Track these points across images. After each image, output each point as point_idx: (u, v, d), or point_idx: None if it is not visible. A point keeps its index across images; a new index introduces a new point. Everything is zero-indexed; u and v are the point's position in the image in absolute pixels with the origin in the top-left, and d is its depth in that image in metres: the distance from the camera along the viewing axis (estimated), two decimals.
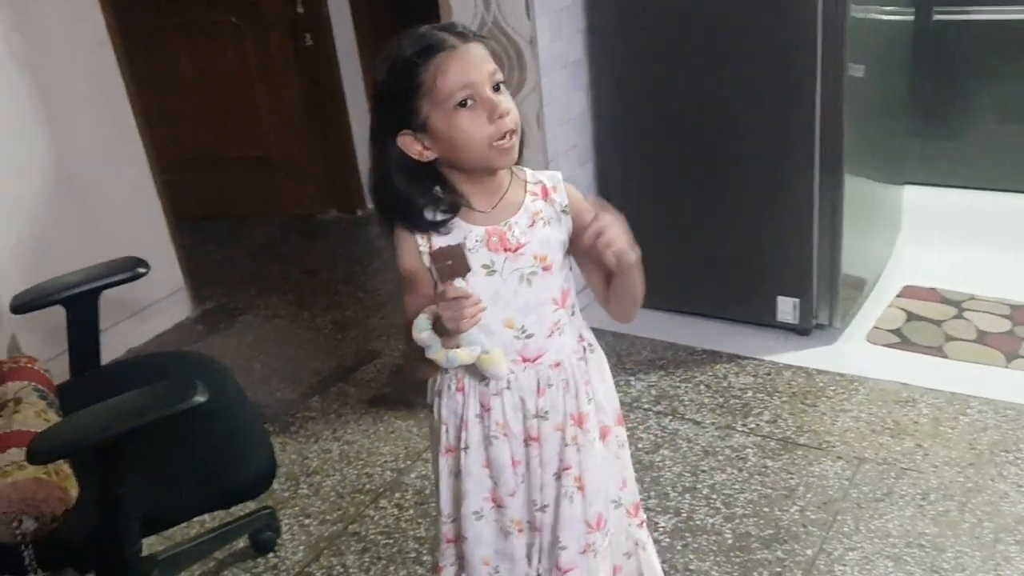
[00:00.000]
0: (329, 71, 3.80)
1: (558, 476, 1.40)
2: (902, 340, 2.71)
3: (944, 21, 3.35)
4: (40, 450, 1.43)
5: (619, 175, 2.87)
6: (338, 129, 3.87)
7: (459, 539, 1.46)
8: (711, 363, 2.69)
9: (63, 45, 2.81)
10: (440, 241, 1.30)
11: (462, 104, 1.22)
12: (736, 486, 2.20)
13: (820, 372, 2.60)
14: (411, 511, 2.23)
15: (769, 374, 2.61)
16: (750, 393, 2.54)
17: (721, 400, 2.52)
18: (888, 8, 2.77)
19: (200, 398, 1.45)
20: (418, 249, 1.31)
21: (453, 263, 1.23)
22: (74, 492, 1.55)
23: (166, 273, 3.21)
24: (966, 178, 3.59)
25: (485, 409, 1.37)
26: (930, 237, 3.26)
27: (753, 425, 2.41)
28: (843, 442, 2.32)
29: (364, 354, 2.95)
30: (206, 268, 3.61)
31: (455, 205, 1.30)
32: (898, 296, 2.94)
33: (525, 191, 1.35)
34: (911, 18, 3.02)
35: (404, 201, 1.29)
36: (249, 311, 3.34)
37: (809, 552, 1.99)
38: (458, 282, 1.24)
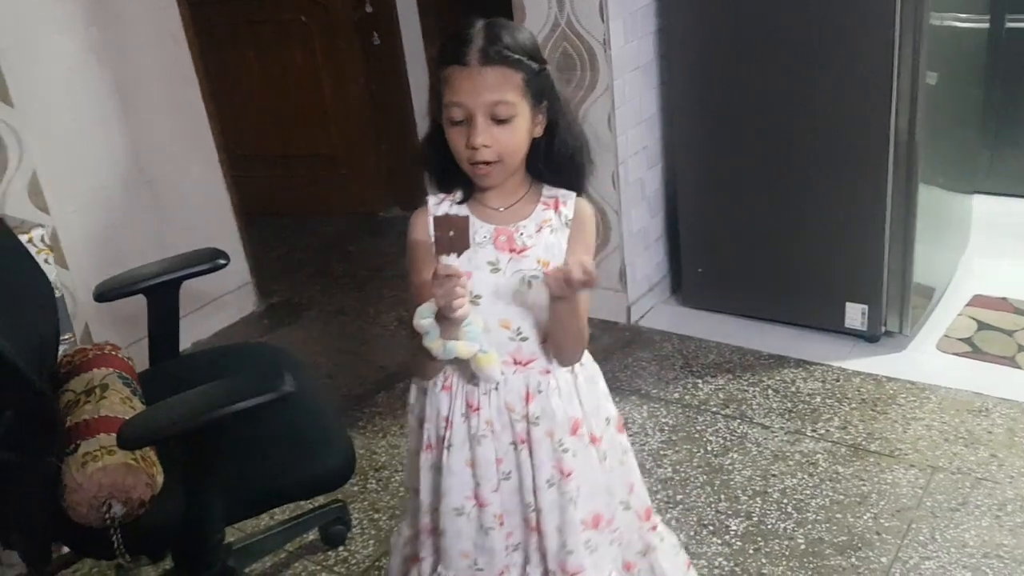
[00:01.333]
0: (395, 70, 3.84)
1: (555, 483, 1.42)
2: (973, 349, 2.67)
3: (1016, 28, 3.30)
4: (130, 436, 1.46)
5: (690, 178, 2.85)
6: (402, 128, 3.90)
7: (437, 532, 1.48)
8: (779, 368, 2.67)
9: (140, 39, 2.86)
10: (446, 210, 1.35)
11: (453, 121, 1.28)
12: (807, 491, 2.19)
13: (890, 379, 2.57)
14: None
15: (838, 380, 2.59)
16: (819, 399, 2.52)
17: (789, 405, 2.50)
18: (964, 15, 2.73)
19: (288, 388, 1.47)
20: (429, 223, 1.33)
21: (455, 235, 1.21)
22: (160, 479, 1.57)
23: (233, 267, 3.16)
24: None
25: (472, 408, 1.39)
26: (1000, 247, 3.21)
27: (823, 431, 2.39)
28: (915, 450, 2.29)
29: None
30: (271, 264, 3.67)
31: (467, 193, 1.37)
32: (968, 305, 2.90)
33: (540, 200, 1.40)
34: (987, 25, 2.98)
35: (432, 157, 1.37)
36: (313, 307, 3.39)
37: (884, 560, 1.97)
38: (451, 261, 1.23)
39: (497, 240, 1.34)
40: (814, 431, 2.39)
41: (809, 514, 2.11)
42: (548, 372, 1.40)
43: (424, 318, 1.27)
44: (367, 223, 4.07)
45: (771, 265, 2.80)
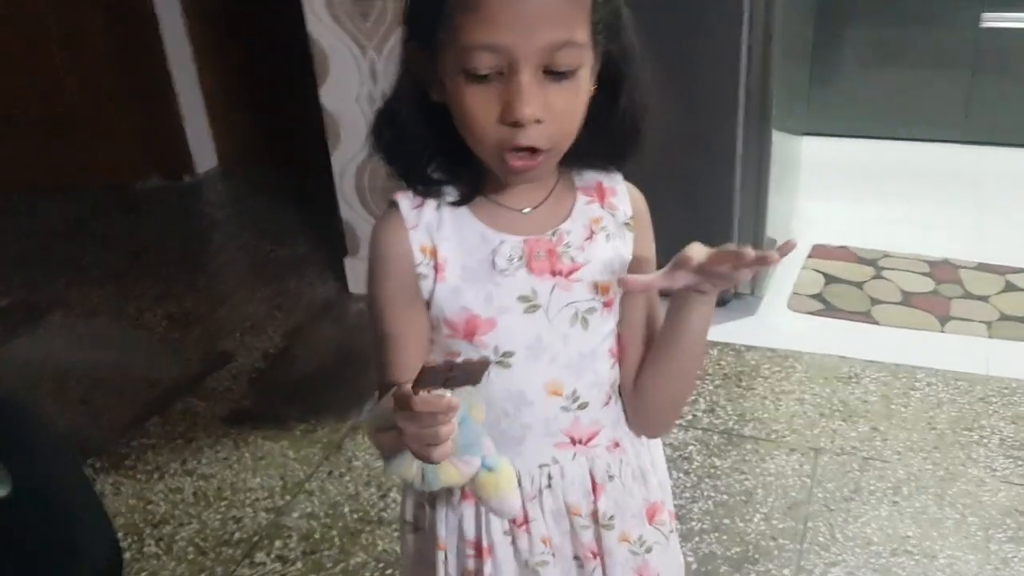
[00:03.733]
0: (142, 15, 3.17)
1: None
2: (826, 306, 2.47)
3: None
4: None
5: None
6: (154, 75, 3.27)
7: None
8: None
9: None
10: (435, 245, 0.88)
11: (474, 76, 0.77)
12: (687, 494, 1.88)
13: (749, 348, 2.32)
14: (299, 564, 1.77)
15: None
16: None
17: None
18: None
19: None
20: (407, 239, 0.88)
21: (460, 375, 0.76)
22: None
23: None
24: (851, 127, 3.43)
25: (519, 524, 0.93)
26: (828, 191, 3.07)
27: (689, 416, 2.09)
28: (792, 430, 2.04)
29: (213, 357, 2.42)
30: None
31: (470, 191, 0.88)
32: (810, 257, 2.71)
33: (575, 188, 0.93)
34: None
35: (397, 131, 0.86)
36: (58, 308, 2.72)
37: (786, 572, 1.69)
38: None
39: (532, 259, 0.88)
40: (680, 418, 2.09)
41: (694, 523, 1.81)
42: (618, 446, 0.97)
43: (379, 429, 0.81)
44: (120, 198, 3.39)
45: None
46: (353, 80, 2.28)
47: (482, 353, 0.88)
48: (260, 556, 1.79)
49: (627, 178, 0.96)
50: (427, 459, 0.75)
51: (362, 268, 2.54)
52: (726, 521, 1.81)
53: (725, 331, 2.39)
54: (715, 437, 2.03)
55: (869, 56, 3.33)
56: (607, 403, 0.95)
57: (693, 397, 2.15)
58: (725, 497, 1.87)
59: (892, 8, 3.23)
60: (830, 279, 2.59)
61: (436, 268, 0.88)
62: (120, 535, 1.84)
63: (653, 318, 0.96)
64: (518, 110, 0.76)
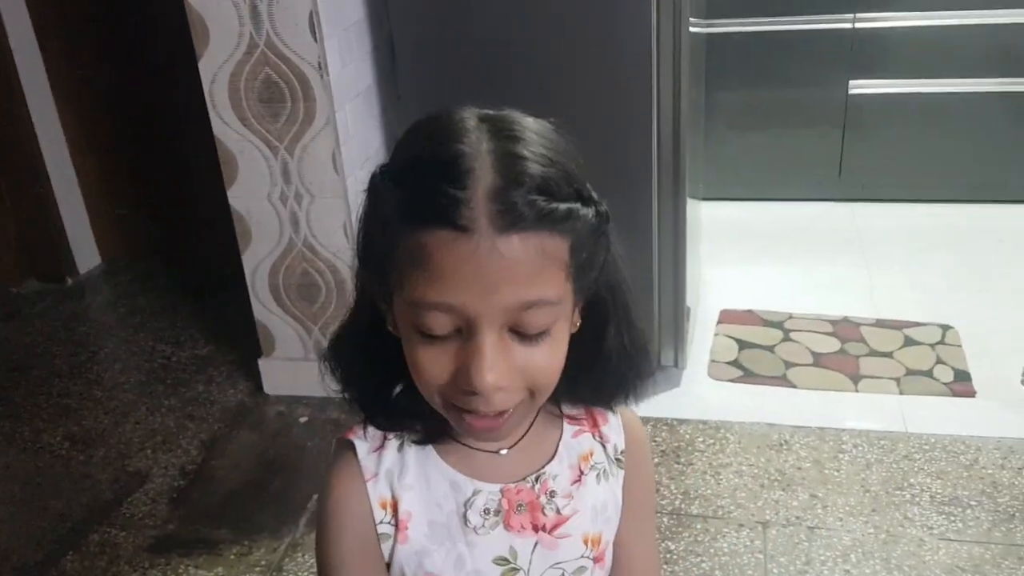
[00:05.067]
0: (12, 107, 2.97)
1: None
2: (744, 372, 2.53)
3: (722, 33, 3.28)
4: None
5: None
6: (29, 176, 3.04)
7: None
8: None
9: None
10: (383, 458, 0.78)
11: (428, 333, 0.67)
12: None
13: (681, 422, 2.35)
14: None
15: None
16: None
17: None
18: (698, 20, 2.58)
19: None
20: (365, 493, 0.77)
21: None
22: None
23: None
24: (735, 190, 3.57)
25: None
26: (726, 255, 3.16)
27: None
28: (737, 504, 2.06)
29: (126, 479, 2.25)
30: None
31: (437, 429, 0.76)
32: (719, 323, 2.78)
33: (561, 418, 0.82)
34: (707, 30, 2.88)
35: (354, 355, 0.78)
36: None
37: None
38: None
39: (511, 513, 0.77)
40: None
41: None
42: None
43: None
44: None
45: None
46: (264, 180, 2.21)
47: None
48: None
49: None
50: None
51: (279, 368, 2.46)
52: None
53: (654, 405, 2.40)
54: (665, 519, 2.03)
55: (746, 120, 3.47)
56: None
57: None
58: None
59: (765, 74, 3.39)
60: (743, 344, 2.66)
61: (397, 526, 0.76)
62: None
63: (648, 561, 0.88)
64: (477, 379, 0.65)
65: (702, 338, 2.69)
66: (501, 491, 0.77)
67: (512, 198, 0.63)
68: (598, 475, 0.81)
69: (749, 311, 2.83)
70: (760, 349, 2.63)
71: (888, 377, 2.47)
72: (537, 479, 0.78)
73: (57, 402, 2.59)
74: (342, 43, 2.14)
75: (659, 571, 0.93)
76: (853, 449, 2.21)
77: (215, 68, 2.11)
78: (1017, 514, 1.99)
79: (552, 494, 0.78)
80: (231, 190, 2.24)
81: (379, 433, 0.78)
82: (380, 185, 0.68)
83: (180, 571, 1.96)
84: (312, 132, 2.14)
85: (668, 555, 1.93)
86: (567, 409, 0.82)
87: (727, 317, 2.81)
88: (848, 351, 2.60)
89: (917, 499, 2.05)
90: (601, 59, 2.15)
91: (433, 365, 0.67)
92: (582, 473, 0.80)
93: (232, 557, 1.98)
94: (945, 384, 2.42)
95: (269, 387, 2.49)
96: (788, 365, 2.55)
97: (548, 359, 0.68)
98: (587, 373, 0.76)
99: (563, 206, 0.64)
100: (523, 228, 0.63)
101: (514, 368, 0.66)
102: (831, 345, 2.63)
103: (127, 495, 2.19)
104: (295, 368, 2.41)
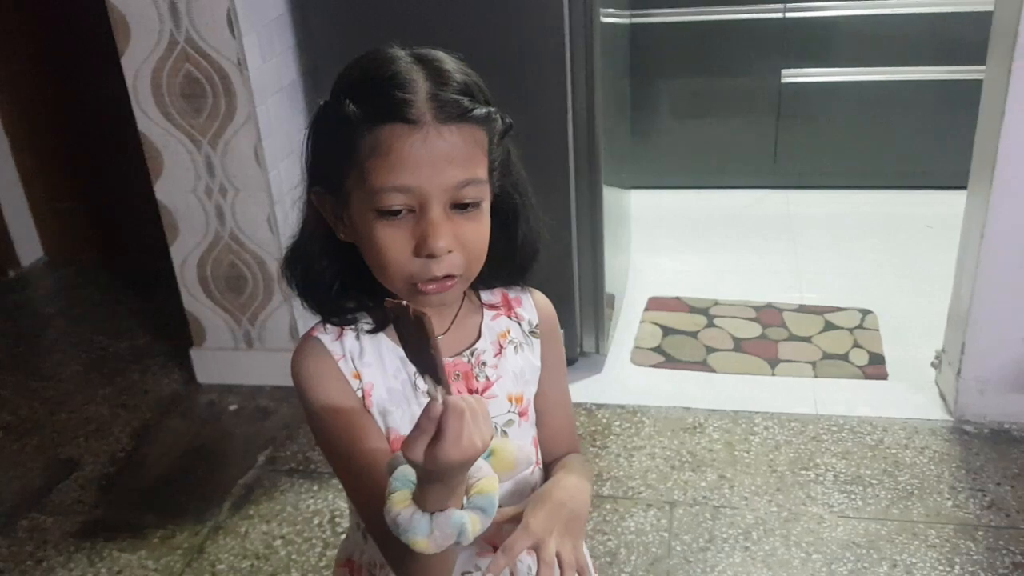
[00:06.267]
0: None
1: None
2: (666, 358, 2.61)
3: (644, 24, 3.34)
4: None
5: None
6: None
7: None
8: None
9: None
10: (343, 342, 0.94)
11: (387, 213, 0.84)
12: None
13: (599, 406, 2.42)
14: None
15: None
16: None
17: None
18: (615, 11, 2.64)
19: None
20: (339, 371, 0.92)
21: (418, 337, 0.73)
22: None
23: None
24: (670, 179, 3.64)
25: None
26: (656, 243, 3.23)
27: None
28: (647, 485, 2.14)
29: (57, 466, 2.30)
30: None
31: (383, 319, 0.94)
32: (647, 310, 2.85)
33: (480, 303, 1.01)
34: (628, 21, 2.94)
35: (308, 268, 0.94)
36: None
37: None
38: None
39: (450, 380, 0.86)
40: None
41: None
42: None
43: (399, 504, 0.75)
44: None
45: None
46: (188, 174, 2.26)
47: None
48: None
49: None
50: (482, 445, 0.73)
51: (210, 358, 2.52)
52: None
53: (575, 391, 2.40)
54: None
55: (681, 109, 3.54)
56: None
57: None
58: (591, 559, 1.94)
59: (699, 63, 3.45)
60: (667, 331, 2.73)
61: (364, 394, 0.93)
62: None
63: (561, 407, 1.07)
64: (432, 244, 0.83)
65: (628, 325, 2.76)
66: None
67: (446, 96, 0.83)
68: (515, 347, 1.01)
69: (676, 298, 2.90)
70: (683, 335, 2.71)
71: (804, 361, 2.55)
72: (472, 354, 0.97)
73: None
74: (262, 39, 2.18)
75: (572, 414, 1.14)
76: (764, 431, 2.29)
77: (137, 64, 2.15)
78: (915, 492, 2.07)
79: (483, 364, 0.97)
80: (157, 184, 2.29)
81: (335, 328, 0.94)
82: (334, 103, 0.86)
83: (104, 555, 2.02)
84: (234, 127, 2.19)
85: None
86: (486, 299, 1.01)
87: (654, 304, 2.88)
88: (769, 336, 2.68)
89: (821, 478, 2.13)
90: (515, 51, 2.19)
91: (394, 243, 0.85)
92: (501, 347, 0.99)
93: (156, 540, 2.04)
94: (859, 367, 2.51)
95: (202, 376, 2.55)
96: (709, 351, 2.63)
97: (479, 230, 0.88)
98: (505, 257, 0.95)
99: (484, 108, 0.86)
100: (458, 120, 0.84)
101: (457, 237, 0.85)
102: (753, 331, 2.71)
103: (57, 482, 2.25)
104: (225, 358, 2.47)
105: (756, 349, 2.62)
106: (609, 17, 2.35)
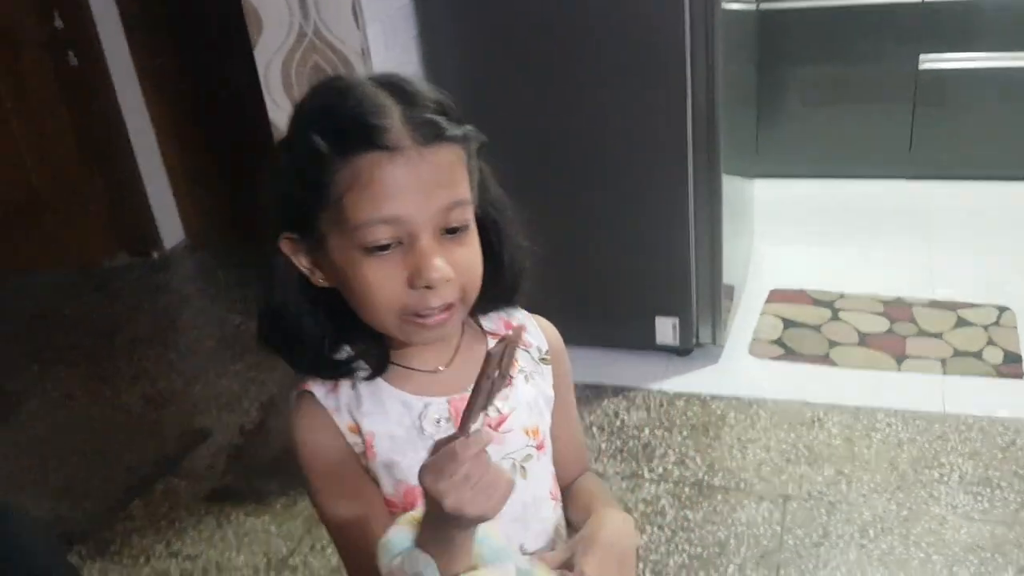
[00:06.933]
0: (103, 94, 3.21)
1: None
2: (786, 351, 2.55)
3: (772, 10, 3.26)
4: None
5: None
6: (119, 158, 3.31)
7: None
8: (597, 399, 2.41)
9: None
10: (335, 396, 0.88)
11: (374, 249, 0.79)
12: (662, 548, 1.93)
13: (714, 397, 2.39)
14: None
15: (662, 405, 2.37)
16: (647, 431, 2.28)
17: (619, 443, 2.25)
18: None
19: None
20: (334, 427, 0.87)
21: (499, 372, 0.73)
22: None
23: None
24: (800, 168, 3.54)
25: None
26: (781, 234, 3.16)
27: (661, 470, 2.15)
28: (760, 478, 2.10)
29: (191, 435, 2.45)
30: None
31: (380, 363, 0.87)
32: (768, 302, 2.79)
33: (483, 331, 0.95)
34: (754, 7, 2.88)
35: (290, 325, 0.87)
36: (32, 396, 2.73)
37: None
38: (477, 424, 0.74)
39: (459, 418, 0.85)
40: (652, 472, 2.15)
41: None
42: None
43: (397, 551, 0.76)
44: (88, 277, 3.41)
45: (571, 285, 2.53)
46: None
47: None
48: None
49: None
50: (491, 510, 0.72)
51: None
52: (701, 574, 1.86)
53: (689, 382, 2.45)
54: (686, 489, 2.09)
55: (813, 97, 3.44)
56: (552, 547, 0.96)
57: (663, 450, 2.21)
58: (699, 550, 1.92)
59: (832, 50, 3.34)
60: (789, 323, 2.67)
61: (365, 445, 0.87)
62: None
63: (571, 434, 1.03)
64: (428, 274, 0.78)
65: (747, 317, 2.71)
66: (448, 402, 0.88)
67: (422, 117, 0.79)
68: (525, 377, 0.94)
69: (800, 290, 2.83)
70: (806, 328, 2.64)
71: (933, 358, 2.45)
72: None
73: (137, 365, 2.82)
74: (386, 28, 2.24)
75: (582, 432, 1.09)
76: (887, 428, 2.21)
77: (269, 55, 2.25)
78: None
79: None
80: None
81: (330, 385, 0.89)
82: (298, 140, 0.81)
83: (231, 518, 2.13)
84: None
85: (685, 523, 1.99)
86: (488, 326, 0.95)
87: (777, 296, 2.81)
88: (896, 331, 2.58)
89: (946, 478, 2.04)
90: (635, 41, 2.19)
91: (386, 279, 0.79)
92: (512, 378, 0.93)
93: (279, 507, 2.14)
94: (993, 366, 2.39)
95: None
96: (832, 344, 2.55)
97: (471, 252, 0.84)
98: (493, 278, 0.89)
99: (461, 128, 0.81)
100: (439, 140, 0.79)
101: (450, 263, 0.80)
102: (880, 325, 2.62)
103: (190, 449, 2.39)
104: None
105: (882, 344, 2.53)
106: (732, 4, 2.31)
